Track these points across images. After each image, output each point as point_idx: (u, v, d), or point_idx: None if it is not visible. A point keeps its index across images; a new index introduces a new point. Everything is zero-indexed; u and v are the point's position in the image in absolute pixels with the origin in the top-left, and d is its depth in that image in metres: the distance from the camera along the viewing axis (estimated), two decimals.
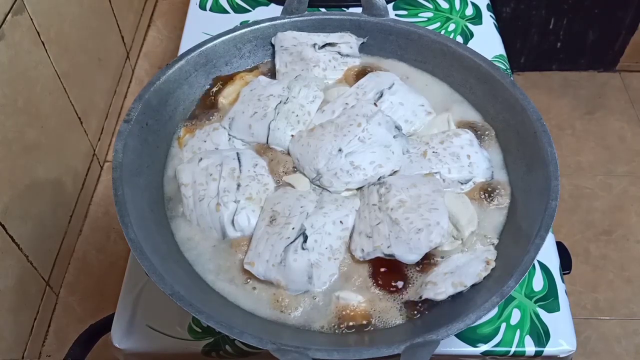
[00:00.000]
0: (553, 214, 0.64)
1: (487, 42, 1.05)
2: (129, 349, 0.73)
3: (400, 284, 0.68)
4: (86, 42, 1.53)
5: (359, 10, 0.88)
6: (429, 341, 0.57)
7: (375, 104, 0.79)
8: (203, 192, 0.72)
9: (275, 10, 1.09)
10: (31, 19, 1.25)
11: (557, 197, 0.65)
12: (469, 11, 1.10)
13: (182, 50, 0.96)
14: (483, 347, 0.72)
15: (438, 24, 1.07)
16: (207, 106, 0.83)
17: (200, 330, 0.73)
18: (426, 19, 1.08)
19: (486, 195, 0.74)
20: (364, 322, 0.66)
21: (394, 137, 0.75)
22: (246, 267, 0.67)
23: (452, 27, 1.07)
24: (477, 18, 1.09)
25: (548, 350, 0.72)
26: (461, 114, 0.82)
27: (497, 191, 0.74)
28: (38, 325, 1.33)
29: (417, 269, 0.68)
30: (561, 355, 0.72)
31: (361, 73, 0.85)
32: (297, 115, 0.79)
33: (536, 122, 0.72)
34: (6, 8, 1.16)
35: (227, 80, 0.85)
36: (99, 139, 1.63)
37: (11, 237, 1.20)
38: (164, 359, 0.75)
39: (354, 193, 0.74)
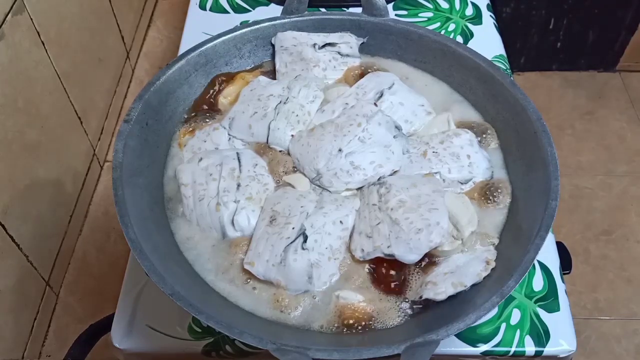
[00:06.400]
0: (553, 214, 0.64)
1: (487, 42, 1.05)
2: (129, 349, 0.73)
3: (400, 284, 0.68)
4: (86, 42, 1.53)
5: (359, 10, 0.88)
6: (429, 341, 0.57)
7: (375, 104, 0.79)
8: (203, 192, 0.72)
9: (275, 10, 1.09)
10: (31, 19, 1.25)
11: (557, 197, 0.65)
12: (469, 11, 1.10)
13: (182, 50, 0.96)
14: (483, 347, 0.72)
15: (438, 24, 1.07)
16: (207, 106, 0.83)
17: (200, 330, 0.73)
18: (426, 19, 1.08)
19: (486, 195, 0.74)
20: (364, 322, 0.66)
21: (394, 137, 0.75)
22: (246, 267, 0.67)
23: (452, 27, 1.07)
24: (477, 18, 1.09)
25: (548, 350, 0.72)
26: (461, 114, 0.82)
27: (497, 191, 0.74)
28: (38, 325, 1.33)
29: (417, 269, 0.68)
30: (561, 355, 0.72)
31: (361, 73, 0.85)
32: (297, 115, 0.79)
33: (536, 122, 0.72)
34: (6, 8, 1.16)
35: (227, 80, 0.85)
36: (99, 139, 1.63)
37: (11, 237, 1.20)
38: (164, 359, 0.75)
39: (354, 193, 0.74)
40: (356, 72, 0.86)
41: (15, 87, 1.20)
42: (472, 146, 0.76)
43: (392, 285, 0.68)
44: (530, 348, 0.72)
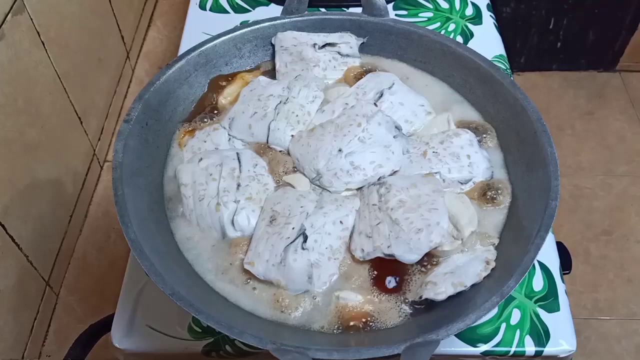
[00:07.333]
0: (553, 214, 0.64)
1: (487, 42, 1.05)
2: (129, 349, 0.73)
3: (400, 284, 0.68)
4: (86, 42, 1.53)
5: (359, 10, 0.88)
6: (429, 341, 0.57)
7: (375, 104, 0.79)
8: (203, 192, 0.72)
9: (275, 10, 1.09)
10: (31, 19, 1.25)
11: (557, 197, 0.65)
12: (469, 11, 1.10)
13: (182, 50, 0.96)
14: (483, 347, 0.72)
15: (438, 24, 1.07)
16: (207, 106, 0.83)
17: (200, 330, 0.73)
18: (426, 19, 1.08)
19: (486, 195, 0.74)
20: (364, 322, 0.66)
21: (394, 137, 0.75)
22: (246, 267, 0.67)
23: (452, 27, 1.07)
24: (477, 18, 1.09)
25: (548, 350, 0.72)
26: (461, 114, 0.82)
27: (497, 191, 0.74)
28: (38, 325, 1.33)
29: (417, 269, 0.68)
30: (561, 355, 0.72)
31: (361, 73, 0.85)
32: (297, 115, 0.79)
33: (536, 122, 0.72)
34: (6, 8, 1.16)
35: (227, 80, 0.85)
36: (99, 139, 1.63)
37: (11, 237, 1.20)
38: (164, 359, 0.75)
39: (354, 193, 0.74)
40: (356, 72, 0.86)
41: (15, 87, 1.20)
42: (472, 146, 0.76)
43: (392, 285, 0.68)
44: (530, 348, 0.72)
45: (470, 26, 1.07)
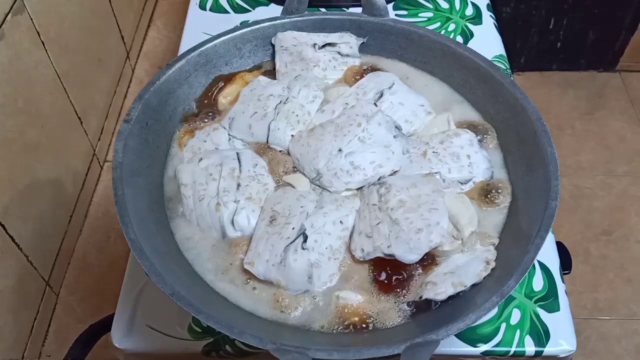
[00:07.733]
0: (553, 213, 0.64)
1: (487, 42, 1.05)
2: (129, 349, 0.73)
3: (400, 284, 0.68)
4: (86, 42, 1.53)
5: (359, 10, 0.88)
6: (429, 341, 0.57)
7: (375, 104, 0.79)
8: (203, 192, 0.72)
9: (275, 10, 1.09)
10: (31, 19, 1.25)
11: (557, 197, 0.65)
12: (469, 11, 1.10)
13: (182, 50, 0.96)
14: (483, 347, 0.72)
15: (438, 24, 1.07)
16: (207, 106, 0.83)
17: (200, 330, 0.73)
18: (426, 19, 1.08)
19: (486, 195, 0.74)
20: (364, 322, 0.66)
21: (394, 137, 0.75)
22: (246, 267, 0.67)
23: (452, 27, 1.07)
24: (477, 18, 1.09)
25: (548, 350, 0.72)
26: (461, 114, 0.82)
27: (497, 191, 0.74)
28: (38, 325, 1.33)
29: (417, 269, 0.68)
30: (561, 355, 0.72)
31: (361, 73, 0.85)
32: (297, 115, 0.79)
33: (536, 122, 0.72)
34: (6, 8, 1.16)
35: (227, 80, 0.85)
36: (99, 139, 1.63)
37: (11, 237, 1.20)
38: (164, 359, 0.75)
39: (354, 193, 0.74)
40: (356, 72, 0.86)
41: (15, 87, 1.20)
42: (472, 146, 0.76)
43: (392, 285, 0.68)
44: (530, 348, 0.72)
45: (470, 26, 1.07)
